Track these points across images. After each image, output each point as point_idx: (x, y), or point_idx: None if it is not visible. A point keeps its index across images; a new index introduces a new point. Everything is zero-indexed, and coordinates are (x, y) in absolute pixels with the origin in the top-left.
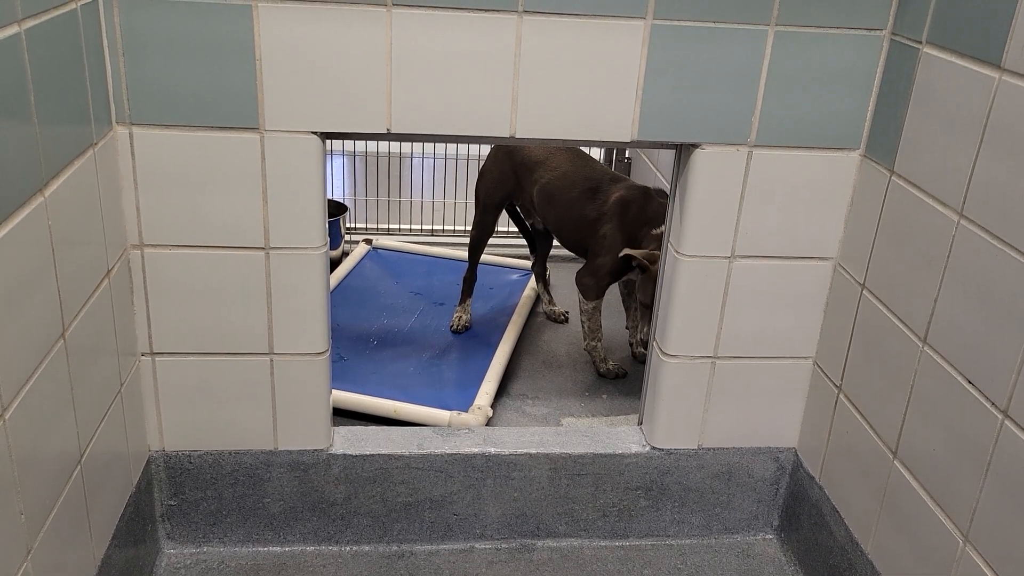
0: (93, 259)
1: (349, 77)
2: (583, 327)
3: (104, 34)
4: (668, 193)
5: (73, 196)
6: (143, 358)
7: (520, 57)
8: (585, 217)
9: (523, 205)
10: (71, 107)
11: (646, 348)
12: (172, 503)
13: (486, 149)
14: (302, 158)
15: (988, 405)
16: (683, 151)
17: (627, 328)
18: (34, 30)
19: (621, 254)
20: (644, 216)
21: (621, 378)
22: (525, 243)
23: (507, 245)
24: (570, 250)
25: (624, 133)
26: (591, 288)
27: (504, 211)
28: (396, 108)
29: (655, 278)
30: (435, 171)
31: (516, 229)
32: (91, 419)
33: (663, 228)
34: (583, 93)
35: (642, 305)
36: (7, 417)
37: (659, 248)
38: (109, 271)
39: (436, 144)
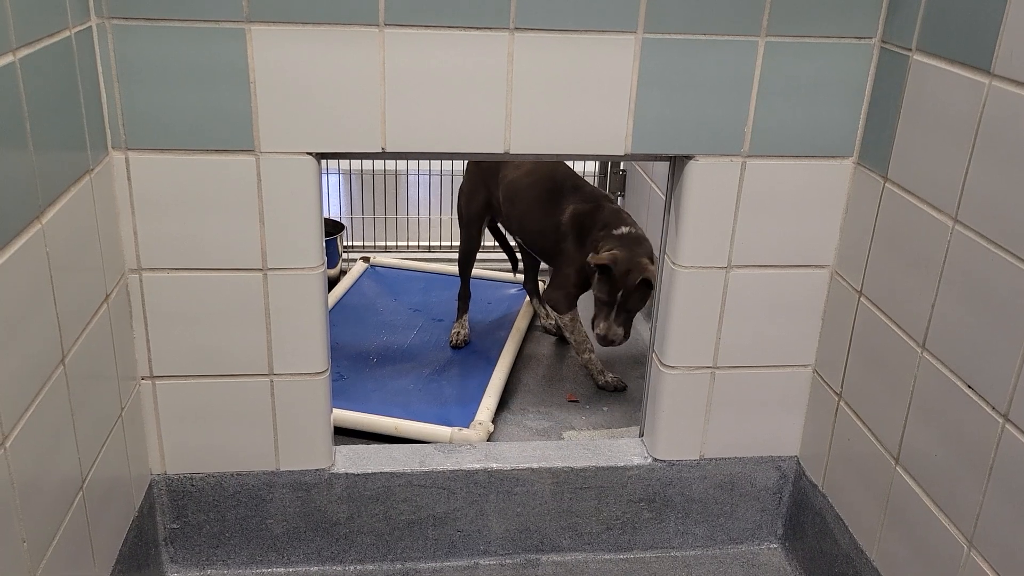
0: (91, 284)
1: (343, 97)
2: (571, 342)
3: (99, 61)
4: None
5: (70, 222)
6: (143, 382)
7: (513, 73)
8: (546, 224)
9: (496, 215)
10: (67, 134)
11: (603, 342)
12: (175, 526)
13: None
14: (297, 179)
15: (988, 409)
16: (677, 163)
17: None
18: (28, 59)
19: (589, 260)
20: (597, 223)
21: (620, 391)
22: (520, 257)
23: (504, 260)
24: (534, 253)
25: (618, 147)
26: (561, 301)
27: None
28: (390, 127)
29: (615, 276)
30: (431, 188)
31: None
32: (92, 444)
33: (624, 229)
34: (576, 108)
35: (598, 300)
36: (8, 445)
37: (621, 246)
38: (107, 296)
39: (432, 161)
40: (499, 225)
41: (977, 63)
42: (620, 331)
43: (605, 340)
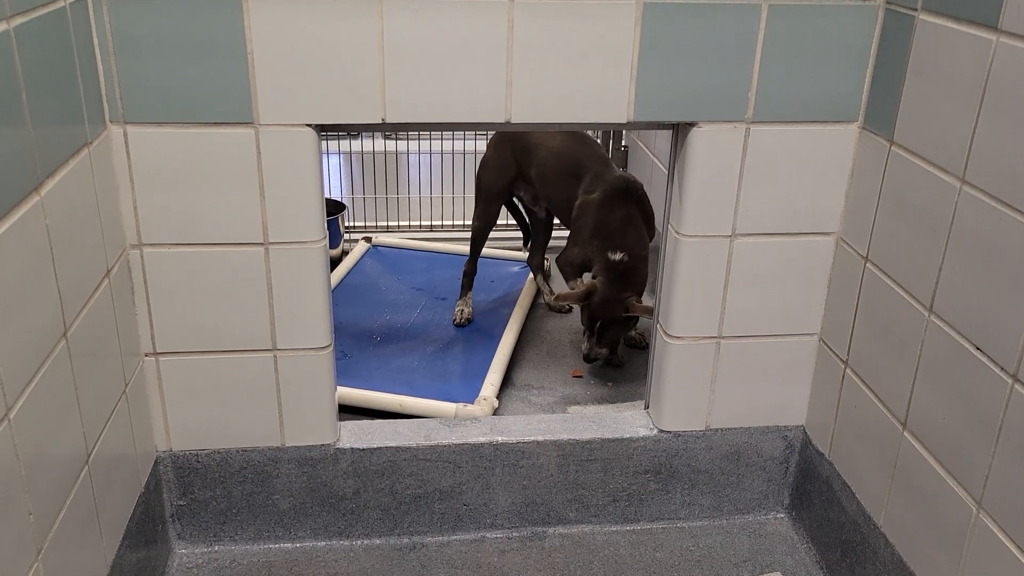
0: (92, 259)
1: (341, 67)
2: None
3: (94, 32)
4: (640, 189)
5: (69, 196)
6: (147, 359)
7: (513, 41)
8: (566, 202)
9: (525, 191)
10: (64, 106)
11: (586, 360)
12: (182, 503)
13: (482, 144)
14: (297, 151)
15: (997, 370)
16: (680, 130)
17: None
18: (23, 28)
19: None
20: (601, 227)
21: (591, 362)
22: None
23: (506, 238)
24: (561, 221)
25: (620, 114)
26: (565, 270)
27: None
28: (390, 97)
29: (592, 309)
30: (432, 167)
31: (514, 221)
32: (97, 420)
33: (618, 255)
34: (578, 76)
35: (582, 321)
36: (12, 417)
37: (608, 278)
38: (109, 271)
39: (432, 140)
40: (516, 199)
41: (984, 20)
42: (603, 351)
43: (587, 359)
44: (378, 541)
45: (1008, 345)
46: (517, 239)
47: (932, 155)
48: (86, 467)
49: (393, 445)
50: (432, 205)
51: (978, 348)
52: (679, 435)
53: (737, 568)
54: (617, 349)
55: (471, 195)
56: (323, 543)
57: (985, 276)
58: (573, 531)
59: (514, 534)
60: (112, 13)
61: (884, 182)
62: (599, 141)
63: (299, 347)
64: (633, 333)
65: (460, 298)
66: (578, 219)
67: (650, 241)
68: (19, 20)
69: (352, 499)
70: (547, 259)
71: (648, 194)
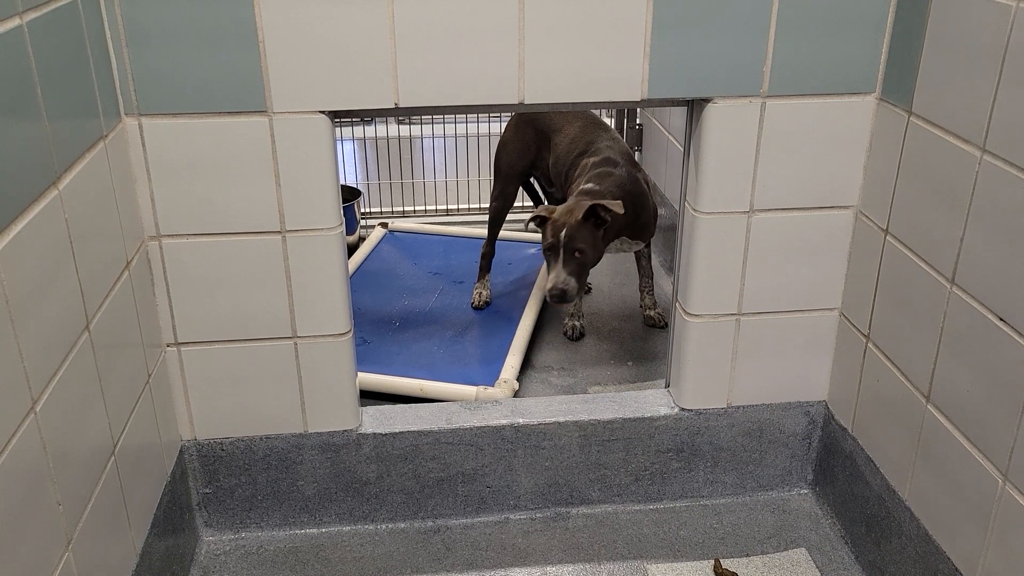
0: (111, 251)
1: (353, 53)
2: None
3: (106, 24)
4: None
5: (87, 189)
6: (168, 349)
7: (524, 20)
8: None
9: (543, 174)
10: (78, 100)
11: (556, 298)
12: (207, 491)
13: (496, 127)
14: (312, 138)
15: (1022, 341)
16: (695, 107)
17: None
18: (35, 22)
19: (537, 212)
20: (587, 171)
21: (574, 340)
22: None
23: (523, 220)
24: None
25: (634, 92)
26: None
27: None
28: (402, 81)
29: (554, 219)
30: (446, 151)
31: (531, 203)
32: (121, 410)
33: (589, 185)
34: (590, 54)
35: (545, 254)
36: (38, 409)
37: (577, 195)
38: (128, 263)
39: (446, 124)
40: (532, 180)
41: None
42: (571, 280)
43: (555, 291)
44: (402, 525)
45: None
46: None
47: (952, 125)
48: (112, 457)
49: (415, 429)
50: (447, 189)
51: (1001, 319)
52: (700, 413)
53: (762, 545)
54: (585, 281)
55: (487, 178)
56: (348, 527)
57: (1007, 246)
58: (596, 511)
59: (537, 515)
60: (123, 4)
61: (903, 153)
62: (612, 121)
63: (319, 334)
64: (652, 313)
65: (478, 281)
66: (578, 177)
67: (646, 241)
68: (32, 15)
69: (376, 483)
70: None
71: (665, 172)
